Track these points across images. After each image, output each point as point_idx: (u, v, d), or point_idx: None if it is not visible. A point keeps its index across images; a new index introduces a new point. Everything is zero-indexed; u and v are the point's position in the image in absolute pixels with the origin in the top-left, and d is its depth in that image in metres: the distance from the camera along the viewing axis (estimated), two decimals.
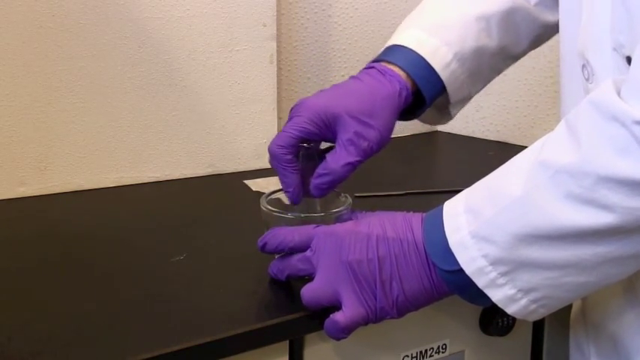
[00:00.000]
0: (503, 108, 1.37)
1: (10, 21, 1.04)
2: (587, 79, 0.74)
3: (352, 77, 0.88)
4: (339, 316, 0.74)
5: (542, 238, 0.65)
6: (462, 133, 1.43)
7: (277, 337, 0.78)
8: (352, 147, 0.82)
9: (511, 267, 0.68)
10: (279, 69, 1.25)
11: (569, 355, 0.87)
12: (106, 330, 0.75)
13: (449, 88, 0.90)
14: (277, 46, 1.23)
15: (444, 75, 0.89)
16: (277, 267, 0.81)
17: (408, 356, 0.89)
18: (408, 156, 1.36)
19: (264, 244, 0.80)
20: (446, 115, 0.96)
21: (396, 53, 0.89)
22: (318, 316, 0.76)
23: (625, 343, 0.75)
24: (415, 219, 0.75)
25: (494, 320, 0.92)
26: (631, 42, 0.67)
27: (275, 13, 1.21)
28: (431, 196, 1.11)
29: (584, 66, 0.74)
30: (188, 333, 0.73)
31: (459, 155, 1.39)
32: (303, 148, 0.84)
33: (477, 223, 0.69)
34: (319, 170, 0.82)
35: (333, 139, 0.83)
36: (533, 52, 0.99)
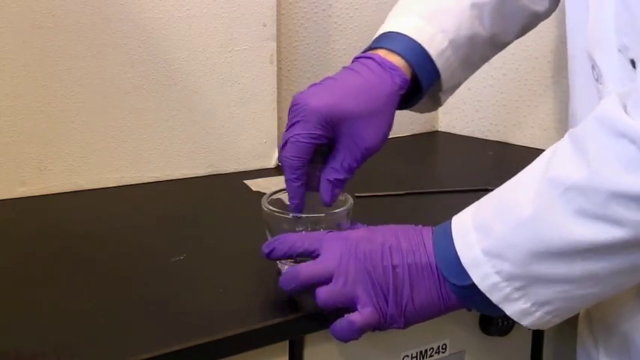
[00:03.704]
0: (503, 108, 1.36)
1: (10, 21, 1.04)
2: (596, 80, 0.74)
3: (350, 69, 0.86)
4: (356, 317, 0.73)
5: (555, 254, 0.66)
6: (462, 133, 1.43)
7: (277, 337, 0.78)
8: (357, 150, 0.82)
9: (525, 282, 0.69)
10: (279, 69, 1.25)
11: (569, 355, 0.87)
12: (106, 330, 0.75)
13: (443, 76, 0.90)
14: (277, 46, 1.23)
15: (439, 62, 0.88)
16: (290, 274, 0.76)
17: (408, 356, 0.89)
18: (408, 156, 1.36)
19: (272, 250, 0.78)
20: (436, 102, 0.95)
21: (394, 40, 0.87)
22: (318, 316, 0.76)
23: (637, 342, 0.75)
24: (426, 232, 0.75)
25: (494, 320, 0.92)
26: (634, 44, 0.67)
27: (275, 13, 1.21)
28: (431, 196, 1.11)
29: (593, 66, 0.74)
30: (188, 333, 0.73)
31: (459, 155, 1.39)
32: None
33: (488, 241, 0.69)
34: (328, 176, 0.82)
35: (335, 137, 0.82)
36: (533, 52, 0.99)
